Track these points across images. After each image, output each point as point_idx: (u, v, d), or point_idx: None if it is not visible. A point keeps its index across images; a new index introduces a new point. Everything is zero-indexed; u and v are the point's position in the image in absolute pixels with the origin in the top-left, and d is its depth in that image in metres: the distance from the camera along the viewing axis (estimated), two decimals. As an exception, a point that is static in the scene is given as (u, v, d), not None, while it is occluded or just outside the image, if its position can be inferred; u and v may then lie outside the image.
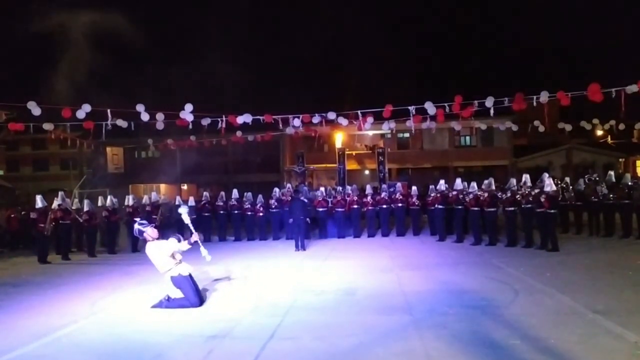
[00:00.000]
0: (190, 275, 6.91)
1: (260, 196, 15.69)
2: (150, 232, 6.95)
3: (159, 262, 6.84)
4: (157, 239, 6.96)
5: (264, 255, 11.98)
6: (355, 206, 15.04)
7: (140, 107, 12.63)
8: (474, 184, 12.62)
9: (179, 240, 6.94)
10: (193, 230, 7.22)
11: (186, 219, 7.45)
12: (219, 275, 9.19)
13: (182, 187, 33.26)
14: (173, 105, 13.57)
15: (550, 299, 6.45)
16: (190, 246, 7.03)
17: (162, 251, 6.78)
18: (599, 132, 31.94)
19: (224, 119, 13.83)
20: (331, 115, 13.91)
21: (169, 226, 14.18)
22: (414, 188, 15.45)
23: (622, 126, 15.57)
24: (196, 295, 6.81)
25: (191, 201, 15.86)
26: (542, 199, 10.76)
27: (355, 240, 14.34)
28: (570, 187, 14.12)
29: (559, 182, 14.57)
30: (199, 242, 7.16)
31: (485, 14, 58.02)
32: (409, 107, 13.53)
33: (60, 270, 10.84)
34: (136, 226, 7.11)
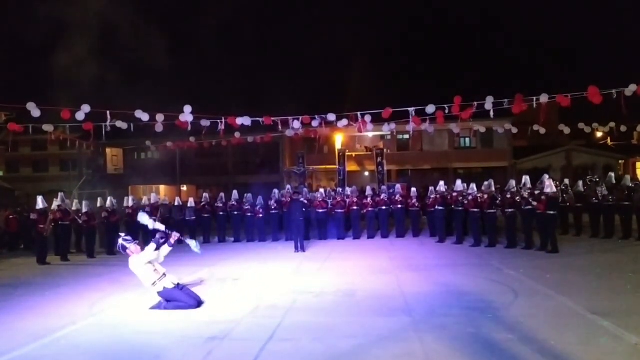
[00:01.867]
0: (177, 285, 6.86)
1: (260, 197, 15.69)
2: (133, 248, 6.93)
3: (141, 276, 6.82)
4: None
5: (264, 256, 11.97)
6: (355, 207, 15.05)
7: (138, 113, 12.63)
8: (473, 186, 12.62)
9: (158, 244, 6.83)
10: (167, 231, 7.08)
11: (150, 224, 7.19)
12: (218, 276, 9.19)
13: (182, 188, 33.26)
14: (172, 106, 13.56)
15: (550, 301, 6.45)
16: (171, 248, 7.03)
17: (140, 263, 6.72)
18: (599, 134, 31.91)
19: (223, 120, 13.81)
20: (331, 117, 13.87)
21: (169, 228, 14.13)
22: (413, 189, 15.43)
23: (623, 128, 15.58)
24: (192, 299, 6.79)
25: (191, 202, 15.90)
26: (535, 203, 10.76)
27: (355, 242, 14.32)
28: (570, 189, 14.12)
29: (559, 184, 14.55)
30: (183, 238, 7.09)
31: (485, 15, 58.13)
32: (409, 109, 13.52)
33: (59, 272, 10.83)
34: (120, 241, 7.06)
